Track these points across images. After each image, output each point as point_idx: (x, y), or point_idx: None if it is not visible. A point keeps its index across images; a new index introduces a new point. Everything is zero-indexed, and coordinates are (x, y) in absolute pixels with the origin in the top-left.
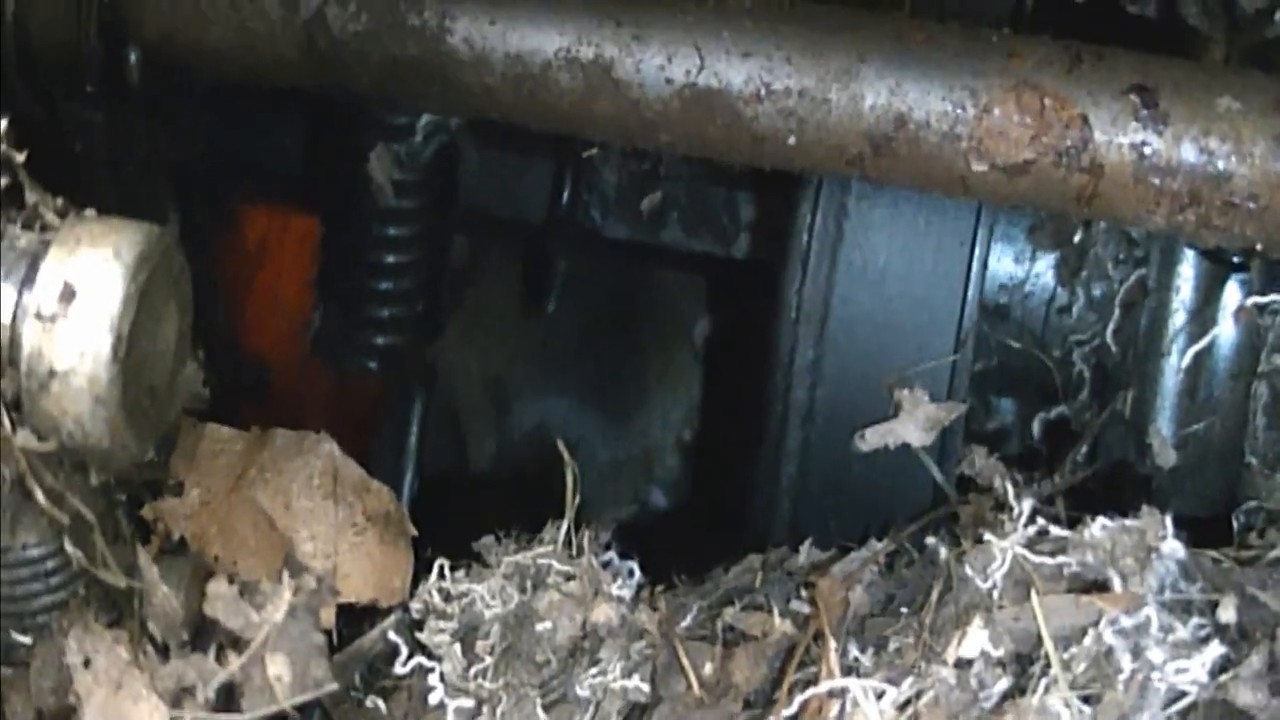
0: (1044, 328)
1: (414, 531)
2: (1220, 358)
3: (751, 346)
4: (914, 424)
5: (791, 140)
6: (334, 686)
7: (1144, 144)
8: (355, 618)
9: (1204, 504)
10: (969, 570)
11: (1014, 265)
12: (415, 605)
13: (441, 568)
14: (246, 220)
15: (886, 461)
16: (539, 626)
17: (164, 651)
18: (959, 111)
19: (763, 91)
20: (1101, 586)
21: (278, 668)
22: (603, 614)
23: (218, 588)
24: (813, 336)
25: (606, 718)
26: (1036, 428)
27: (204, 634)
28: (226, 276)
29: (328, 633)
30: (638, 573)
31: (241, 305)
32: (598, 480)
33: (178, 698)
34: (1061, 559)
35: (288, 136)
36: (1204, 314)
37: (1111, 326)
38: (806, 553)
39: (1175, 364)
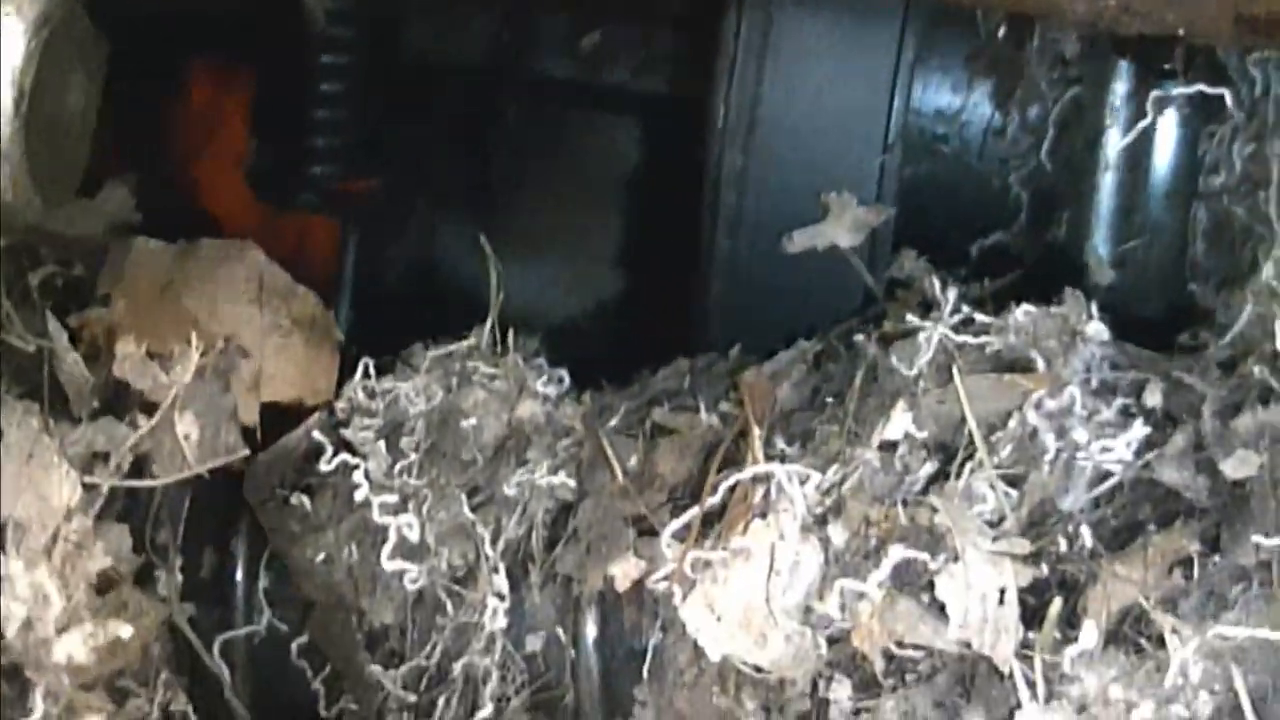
0: (980, 155)
1: (340, 336)
2: (1157, 179)
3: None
4: (842, 226)
5: None
6: (245, 452)
7: None
8: (282, 419)
9: (1144, 330)
10: (894, 360)
11: (951, 94)
12: (340, 404)
13: (366, 366)
14: (195, 83)
15: (815, 266)
16: (464, 424)
17: (76, 421)
18: None
19: None
20: (1025, 369)
21: (186, 427)
22: (528, 410)
23: (125, 348)
24: (739, 144)
25: (533, 515)
26: (973, 253)
27: (115, 400)
28: (179, 142)
29: (250, 430)
30: (566, 377)
31: (195, 171)
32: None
33: (89, 464)
34: (985, 339)
35: None
36: (1137, 128)
37: (1046, 147)
38: (735, 357)
39: (1110, 181)
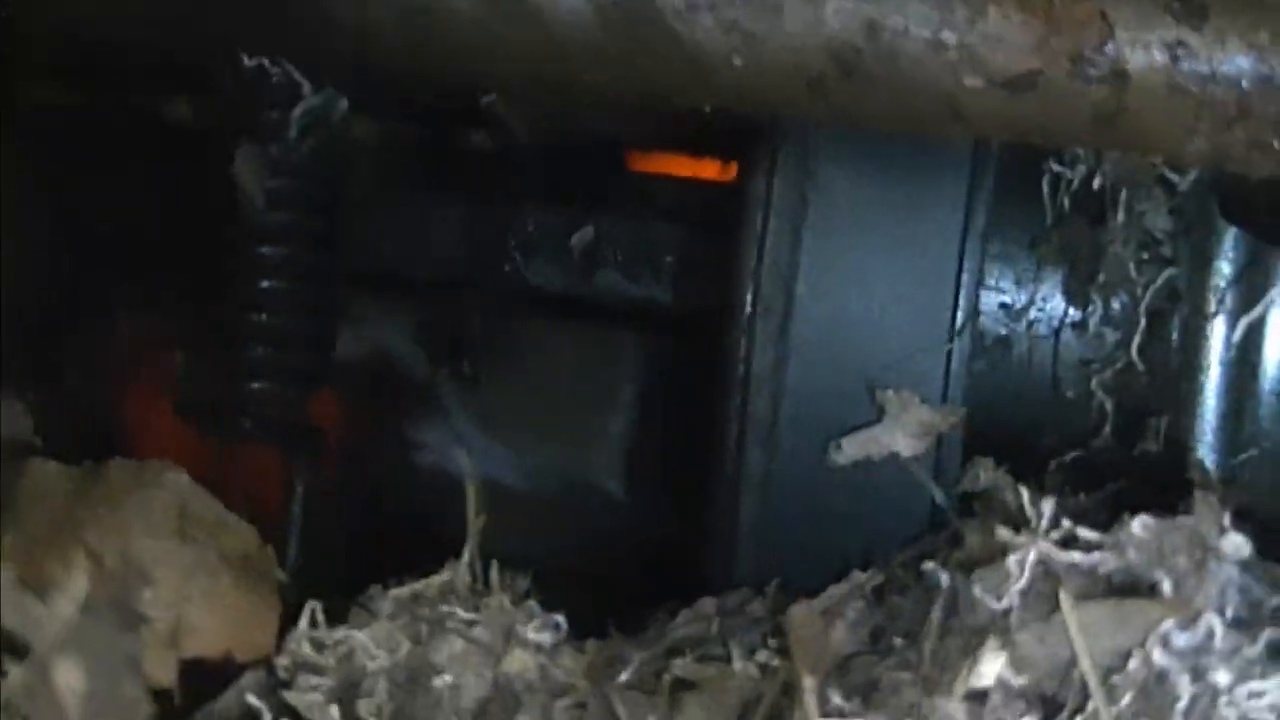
0: (1054, 358)
1: (282, 576)
2: (1270, 372)
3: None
4: (902, 430)
5: (737, 61)
6: (148, 711)
7: (1179, 44)
8: (207, 678)
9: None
10: (978, 590)
11: (1014, 288)
12: (282, 660)
13: (313, 612)
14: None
15: (869, 480)
16: (437, 683)
17: None
18: (945, 13)
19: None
20: (1148, 595)
21: (69, 677)
22: (518, 665)
23: None
24: (771, 337)
25: None
26: (1048, 475)
27: None
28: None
29: (166, 693)
30: (562, 622)
31: (125, 403)
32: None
33: None
34: (1097, 557)
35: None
36: (1249, 318)
37: (1136, 343)
38: (773, 596)
39: (1217, 382)
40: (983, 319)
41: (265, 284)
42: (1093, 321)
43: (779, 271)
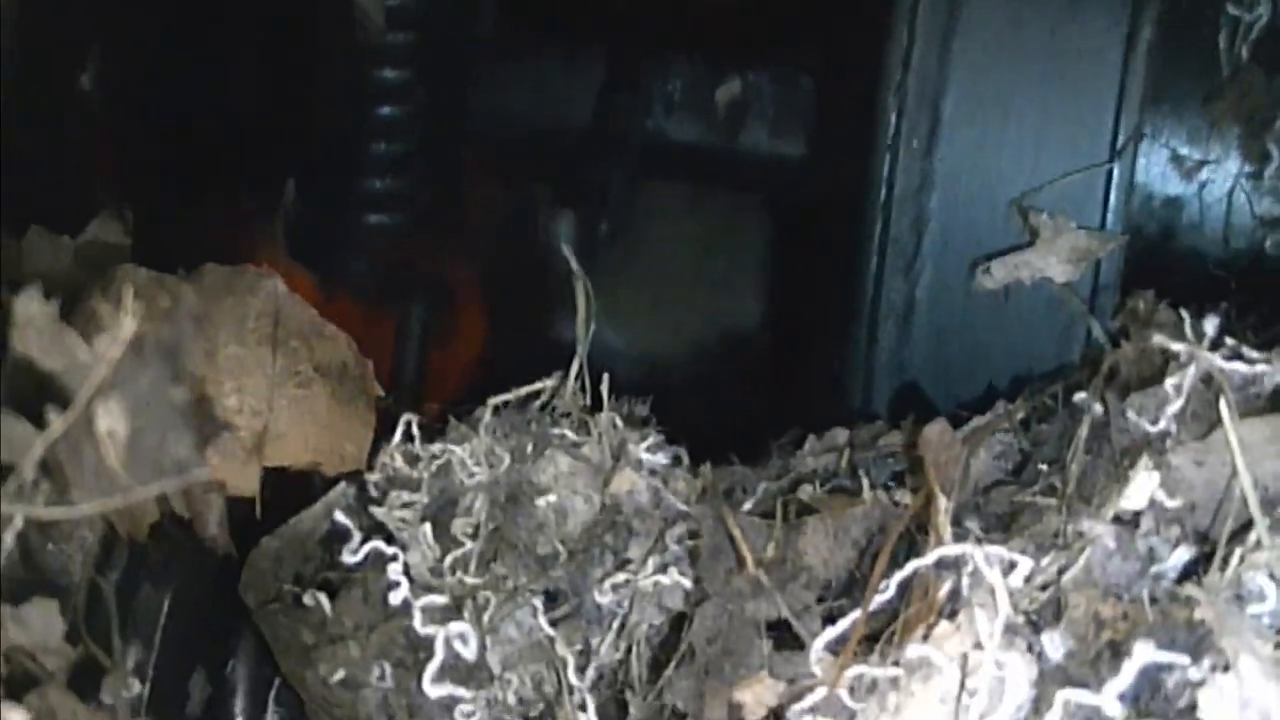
0: (1227, 220)
1: (380, 390)
2: None
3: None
4: (1056, 255)
5: None
6: (204, 473)
7: None
8: (294, 492)
9: None
10: (1133, 414)
11: (1187, 145)
12: (373, 475)
13: (408, 425)
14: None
15: (1018, 307)
16: (539, 503)
17: None
18: None
19: None
20: None
21: (112, 420)
22: (627, 485)
23: (27, 307)
24: (917, 154)
25: (634, 630)
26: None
27: (19, 386)
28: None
29: (250, 503)
30: (681, 452)
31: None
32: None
33: None
34: (1263, 369)
35: None
36: None
37: None
38: (909, 427)
39: None
40: (1152, 177)
41: (385, 110)
42: (1269, 176)
43: (925, 86)
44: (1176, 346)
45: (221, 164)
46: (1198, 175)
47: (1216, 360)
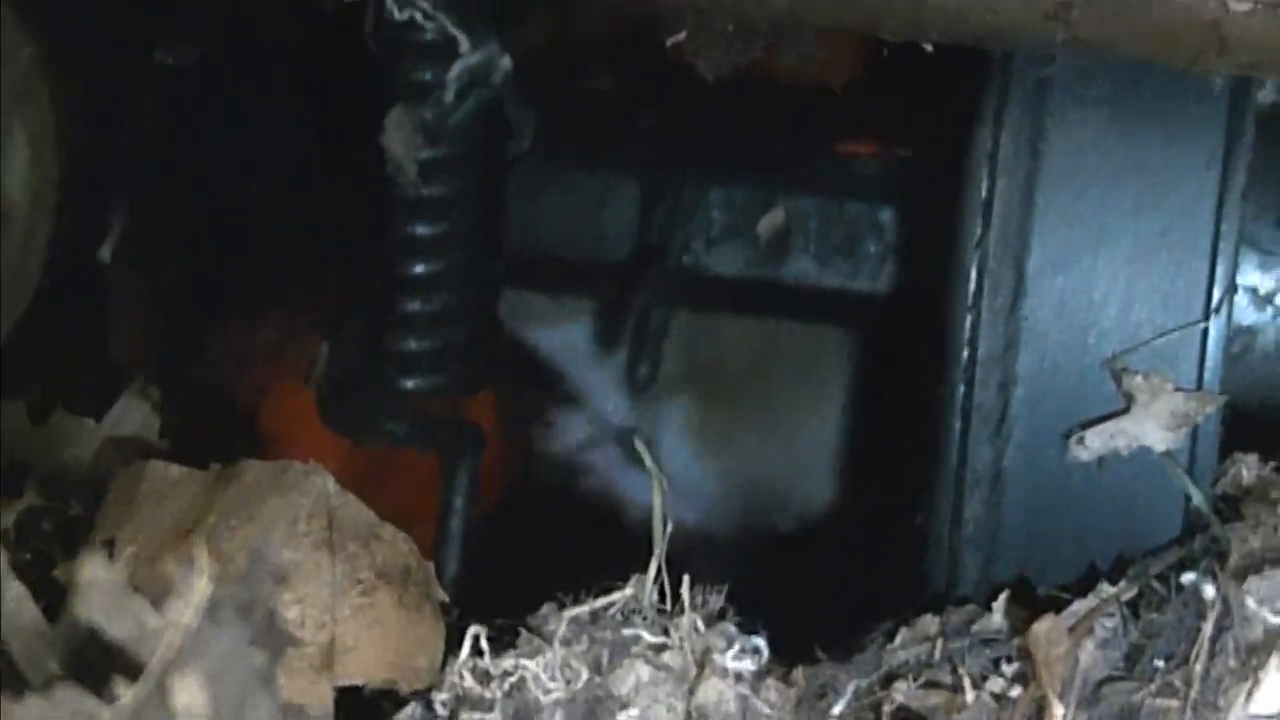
0: None
1: (444, 596)
2: None
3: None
4: (1154, 420)
5: None
6: None
7: None
8: (363, 710)
9: None
10: (1253, 602)
11: (1260, 272)
12: (440, 695)
13: (476, 638)
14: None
15: (1114, 477)
16: (621, 718)
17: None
18: None
19: None
20: None
21: (189, 694)
22: (714, 695)
23: (93, 572)
24: (1001, 313)
25: None
26: None
27: (83, 655)
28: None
29: None
30: (764, 647)
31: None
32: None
33: None
34: None
35: None
36: None
37: None
38: (1003, 610)
39: None
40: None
41: (419, 267)
42: None
43: (1008, 240)
44: None
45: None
46: (1270, 306)
47: None
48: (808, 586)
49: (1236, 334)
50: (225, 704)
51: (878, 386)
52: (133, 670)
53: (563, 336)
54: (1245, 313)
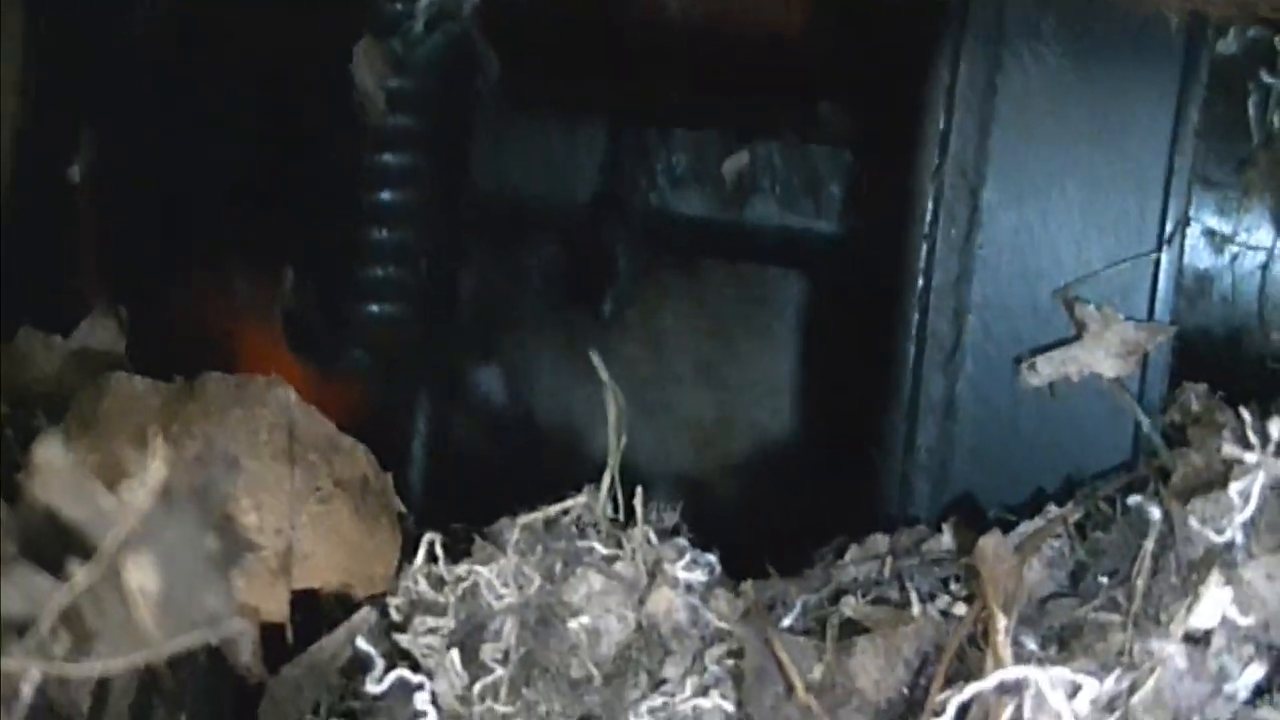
0: (1261, 295)
1: (401, 507)
2: None
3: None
4: (1104, 348)
5: None
6: (239, 625)
7: None
8: (316, 618)
9: None
10: (1196, 522)
11: (1218, 218)
12: (395, 600)
13: (431, 545)
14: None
15: (1064, 404)
16: (572, 625)
17: None
18: None
19: None
20: None
21: (142, 575)
22: (664, 605)
23: (49, 455)
24: (956, 244)
25: None
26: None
27: (39, 536)
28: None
29: (279, 629)
30: (715, 562)
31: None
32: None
33: None
34: None
35: None
36: None
37: None
38: (953, 532)
39: None
40: (1185, 252)
41: (385, 196)
42: None
43: (964, 172)
44: (1249, 457)
45: (218, 253)
46: (1229, 249)
47: None
48: (764, 514)
49: (1196, 276)
50: (177, 586)
51: (840, 324)
52: (87, 552)
53: (529, 275)
54: (1203, 255)
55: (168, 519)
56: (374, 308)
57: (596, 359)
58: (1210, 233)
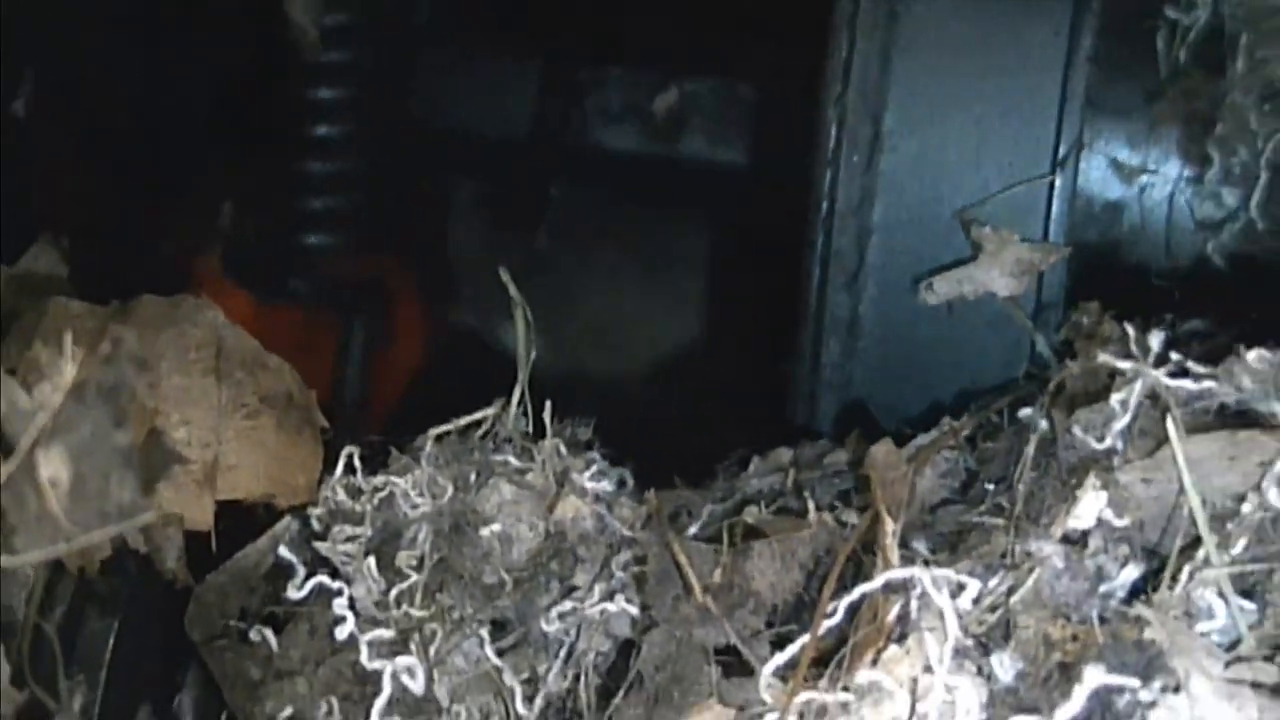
0: (1169, 222)
1: (324, 421)
2: None
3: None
4: (1000, 268)
5: None
6: (149, 516)
7: None
8: (239, 527)
9: None
10: (1079, 430)
11: (1127, 149)
12: (316, 510)
13: (350, 456)
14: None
15: (961, 322)
16: (484, 532)
17: None
18: None
19: None
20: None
21: (54, 468)
22: (572, 513)
23: None
24: (859, 167)
25: (581, 658)
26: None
27: None
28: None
29: (206, 537)
30: (627, 475)
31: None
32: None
33: None
34: (1209, 385)
35: None
36: None
37: (1257, 199)
38: (854, 447)
39: None
40: (1092, 182)
41: (321, 129)
42: (1210, 180)
43: (866, 98)
44: (1123, 364)
45: (159, 186)
46: (1138, 181)
47: (1162, 377)
48: (674, 430)
49: (1106, 206)
50: (88, 478)
51: (761, 251)
52: (5, 447)
53: (466, 209)
54: (1113, 185)
55: (79, 414)
56: (313, 238)
57: (505, 275)
58: (1118, 164)
